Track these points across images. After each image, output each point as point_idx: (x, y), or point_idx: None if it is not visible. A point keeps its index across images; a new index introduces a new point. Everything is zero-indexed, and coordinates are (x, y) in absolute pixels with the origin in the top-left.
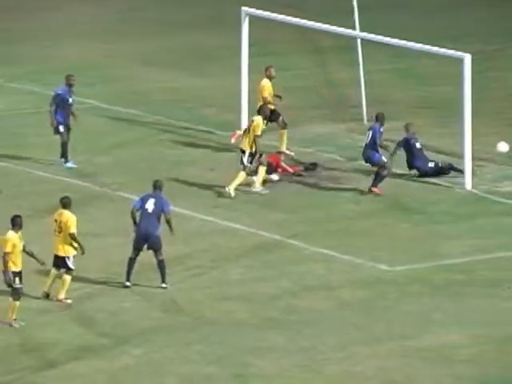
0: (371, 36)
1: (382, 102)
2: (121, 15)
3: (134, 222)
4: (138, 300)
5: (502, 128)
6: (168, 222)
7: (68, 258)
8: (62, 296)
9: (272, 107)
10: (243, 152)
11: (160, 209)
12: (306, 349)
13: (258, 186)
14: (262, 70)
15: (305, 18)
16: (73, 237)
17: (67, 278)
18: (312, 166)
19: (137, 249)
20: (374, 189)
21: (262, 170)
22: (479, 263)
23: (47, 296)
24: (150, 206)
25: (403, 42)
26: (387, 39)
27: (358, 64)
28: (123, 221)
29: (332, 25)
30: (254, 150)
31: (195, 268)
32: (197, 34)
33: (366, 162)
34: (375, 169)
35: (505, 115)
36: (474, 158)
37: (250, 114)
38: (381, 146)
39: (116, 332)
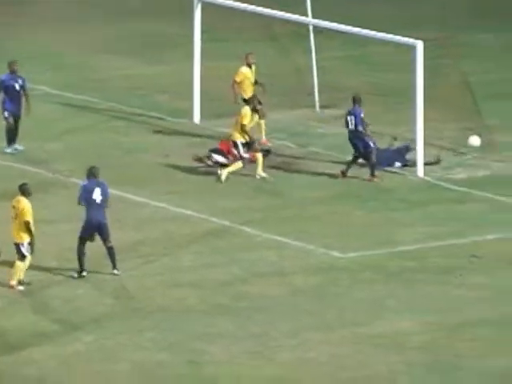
0: (324, 23)
1: (335, 88)
2: (76, 3)
3: None
4: (90, 287)
5: (454, 114)
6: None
7: (22, 244)
8: (13, 282)
9: (252, 95)
10: (235, 144)
11: (106, 196)
12: (257, 335)
13: (262, 173)
14: (214, 56)
15: (259, 5)
16: (27, 225)
17: (19, 264)
18: (265, 153)
19: (86, 239)
20: (375, 178)
21: (259, 156)
22: (432, 250)
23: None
24: (97, 196)
25: (356, 30)
26: (340, 26)
27: (311, 51)
28: (76, 207)
29: (286, 12)
30: (245, 138)
31: (147, 255)
32: (151, 22)
33: (353, 148)
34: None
35: (457, 101)
36: (426, 144)
37: (203, 101)
38: (363, 130)
39: (69, 318)
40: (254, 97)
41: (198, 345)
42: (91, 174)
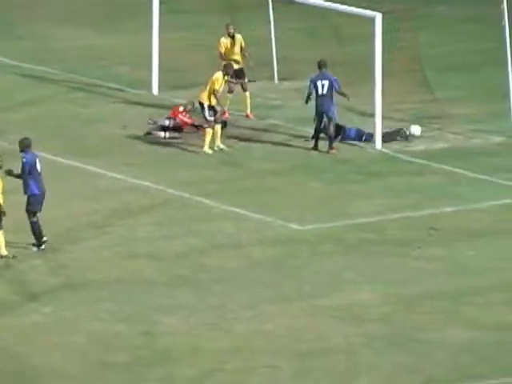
0: None
1: (293, 60)
2: None
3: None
4: (47, 258)
5: (412, 87)
6: None
7: None
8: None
9: (237, 67)
10: (202, 105)
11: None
12: (214, 307)
13: (220, 144)
14: (174, 27)
15: None
16: None
17: None
18: (223, 125)
19: (38, 211)
20: (332, 150)
21: (218, 127)
22: (390, 222)
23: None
24: (39, 166)
25: (314, 1)
26: None
27: (269, 22)
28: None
29: None
30: (212, 103)
31: (104, 226)
32: None
33: (322, 114)
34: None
35: (415, 74)
36: (384, 118)
37: (162, 72)
38: (340, 94)
39: (26, 290)
40: (228, 64)
41: (156, 316)
42: (27, 146)
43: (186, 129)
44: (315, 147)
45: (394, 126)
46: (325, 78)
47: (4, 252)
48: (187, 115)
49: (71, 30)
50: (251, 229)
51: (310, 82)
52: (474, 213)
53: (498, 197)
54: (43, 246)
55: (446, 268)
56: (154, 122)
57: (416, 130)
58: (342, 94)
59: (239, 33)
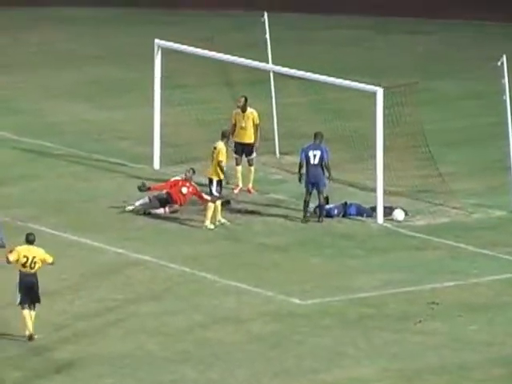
0: (284, 69)
1: (294, 135)
2: (32, 48)
3: None
4: (50, 332)
5: (414, 163)
6: None
7: None
8: None
9: (246, 141)
10: (211, 181)
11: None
12: (215, 382)
13: (221, 218)
14: (174, 102)
15: (218, 52)
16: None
17: None
18: (225, 203)
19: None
20: (322, 221)
21: (218, 203)
22: (390, 297)
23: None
24: None
25: (316, 76)
26: (300, 73)
27: (271, 97)
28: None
29: (246, 58)
30: (221, 177)
31: (107, 301)
32: (110, 67)
33: (313, 185)
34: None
35: (416, 149)
36: (386, 193)
37: (163, 146)
38: (326, 168)
39: (28, 365)
40: (227, 133)
41: None
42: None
43: (183, 203)
44: (305, 218)
45: (394, 201)
46: (317, 149)
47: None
48: (187, 185)
49: (69, 104)
50: (252, 303)
51: (302, 151)
52: (475, 287)
53: (499, 271)
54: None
55: (447, 343)
56: (143, 185)
57: (399, 215)
58: (327, 170)
59: (254, 107)
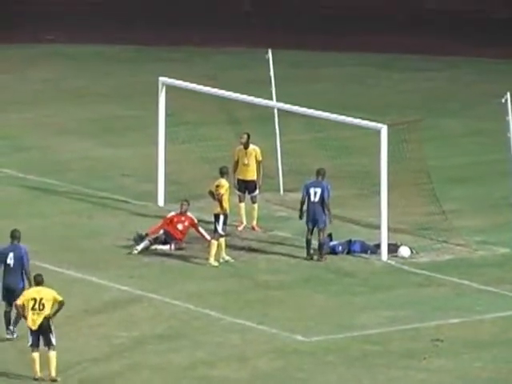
0: (288, 106)
1: (298, 172)
2: (38, 85)
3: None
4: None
5: (418, 199)
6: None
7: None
8: None
9: (249, 178)
10: (216, 218)
11: (20, 260)
12: None
13: (225, 256)
14: (177, 139)
15: (222, 89)
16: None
17: None
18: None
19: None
20: (323, 259)
21: (222, 240)
22: (395, 334)
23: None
24: (10, 260)
25: (320, 113)
26: (304, 110)
27: (275, 134)
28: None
29: (249, 95)
30: (226, 213)
31: (110, 337)
32: (114, 104)
33: (314, 222)
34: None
35: (421, 186)
36: (391, 230)
37: (167, 184)
38: (327, 207)
39: None
40: (225, 170)
41: None
42: (11, 236)
43: (182, 237)
44: (308, 255)
45: (398, 238)
46: (318, 186)
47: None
48: (182, 220)
49: (76, 141)
50: (256, 340)
51: (304, 187)
52: (479, 324)
53: (503, 308)
54: (9, 336)
55: (452, 380)
56: (139, 237)
57: (405, 252)
58: (328, 209)
59: (258, 145)
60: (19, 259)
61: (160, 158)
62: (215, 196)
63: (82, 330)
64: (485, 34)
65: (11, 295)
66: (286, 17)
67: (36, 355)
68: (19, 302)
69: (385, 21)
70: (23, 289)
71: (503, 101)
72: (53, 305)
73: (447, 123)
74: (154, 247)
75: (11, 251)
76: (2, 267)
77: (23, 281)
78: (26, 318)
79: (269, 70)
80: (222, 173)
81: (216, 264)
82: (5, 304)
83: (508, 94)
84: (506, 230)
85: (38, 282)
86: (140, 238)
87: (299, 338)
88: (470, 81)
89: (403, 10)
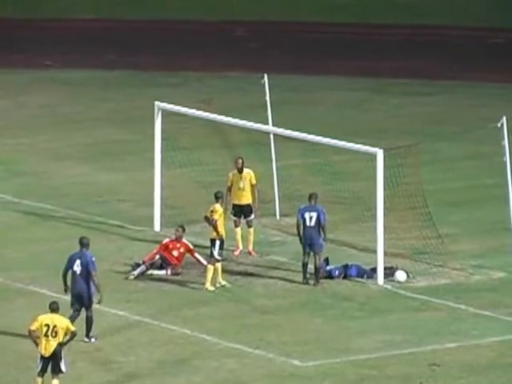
0: (284, 131)
1: (294, 197)
2: (34, 110)
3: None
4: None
5: (414, 223)
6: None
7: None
8: None
9: (244, 203)
10: (212, 243)
11: (86, 267)
12: None
13: (222, 280)
14: (173, 163)
15: (218, 113)
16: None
17: None
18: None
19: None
20: (319, 283)
21: (218, 265)
22: (391, 359)
23: None
24: (77, 267)
25: (316, 137)
26: (300, 134)
27: (271, 159)
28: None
29: (246, 120)
30: (223, 238)
31: (106, 363)
32: (110, 129)
33: (310, 246)
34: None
35: (417, 210)
36: (387, 254)
37: (164, 209)
38: (323, 230)
39: None
40: (219, 194)
41: None
42: (79, 243)
43: (178, 263)
44: (305, 279)
45: (394, 262)
46: (313, 210)
47: None
48: (177, 246)
49: (71, 166)
50: (253, 365)
51: (298, 212)
52: (476, 348)
53: (500, 332)
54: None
55: None
56: (136, 265)
57: (401, 276)
58: (324, 232)
59: (253, 169)
60: (85, 266)
61: (156, 183)
62: (210, 221)
63: (79, 355)
64: (482, 59)
65: (80, 302)
66: (281, 41)
67: (40, 380)
68: (32, 327)
69: (382, 45)
70: (91, 295)
71: (499, 125)
72: (65, 334)
73: (443, 147)
74: (150, 272)
75: (78, 258)
76: (70, 274)
77: (89, 286)
78: (37, 344)
79: (265, 95)
80: (217, 197)
81: (212, 289)
82: (73, 310)
83: (504, 119)
84: (502, 254)
85: (53, 309)
86: (137, 265)
87: (296, 362)
88: (467, 105)
89: (398, 34)
